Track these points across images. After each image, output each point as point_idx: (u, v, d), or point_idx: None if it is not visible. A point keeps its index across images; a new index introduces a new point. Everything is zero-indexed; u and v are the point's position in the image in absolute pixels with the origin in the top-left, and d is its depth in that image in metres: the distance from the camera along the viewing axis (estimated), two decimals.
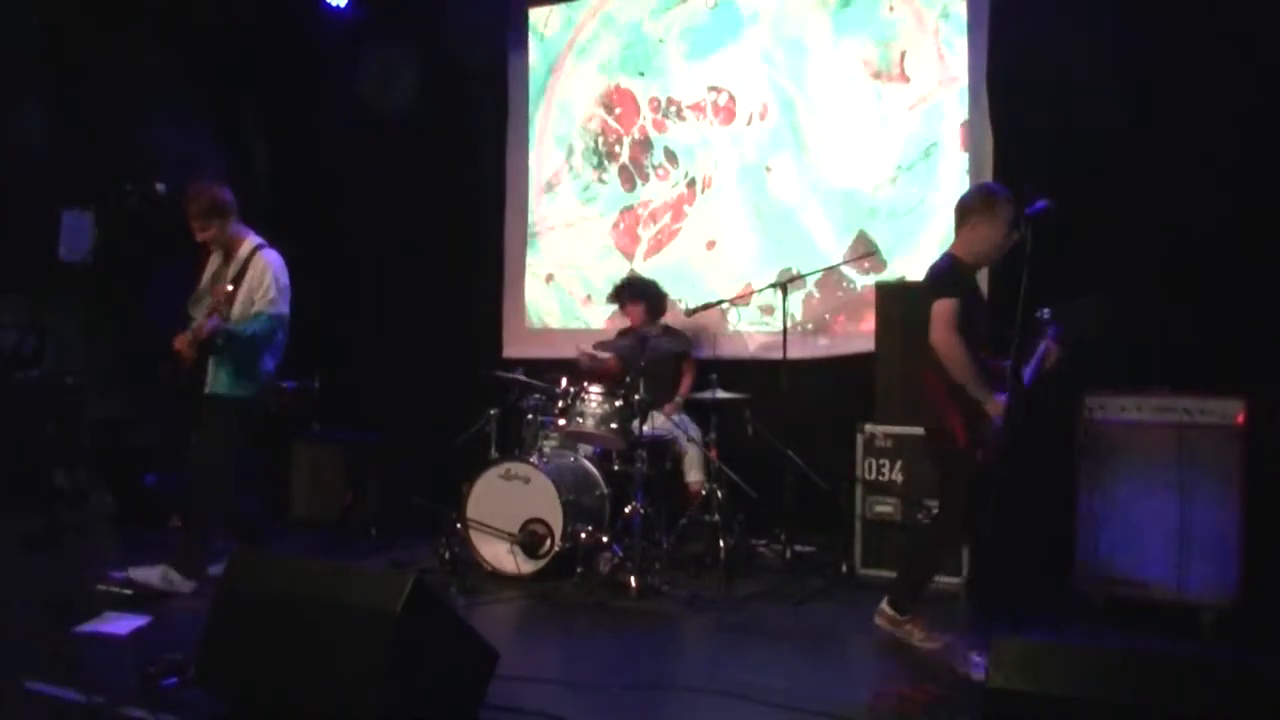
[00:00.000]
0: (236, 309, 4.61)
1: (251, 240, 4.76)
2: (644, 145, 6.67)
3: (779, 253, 6.21)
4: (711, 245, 6.42)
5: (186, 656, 3.14)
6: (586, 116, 6.85)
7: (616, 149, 6.75)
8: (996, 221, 3.86)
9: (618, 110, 6.75)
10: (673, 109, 6.58)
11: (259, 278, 4.65)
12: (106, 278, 5.76)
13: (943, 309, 3.79)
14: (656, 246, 6.57)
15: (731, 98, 6.41)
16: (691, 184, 6.50)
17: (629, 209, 6.68)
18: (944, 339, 3.78)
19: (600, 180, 6.79)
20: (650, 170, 6.65)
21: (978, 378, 3.75)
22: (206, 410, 4.67)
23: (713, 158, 6.44)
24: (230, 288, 4.63)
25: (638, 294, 5.90)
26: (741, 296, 6.14)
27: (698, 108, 6.50)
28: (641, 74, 6.71)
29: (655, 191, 6.63)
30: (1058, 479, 4.57)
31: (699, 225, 6.47)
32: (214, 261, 4.85)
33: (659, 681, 3.51)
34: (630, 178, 6.71)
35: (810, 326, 6.09)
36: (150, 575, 4.53)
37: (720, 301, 5.80)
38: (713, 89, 6.46)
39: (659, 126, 6.63)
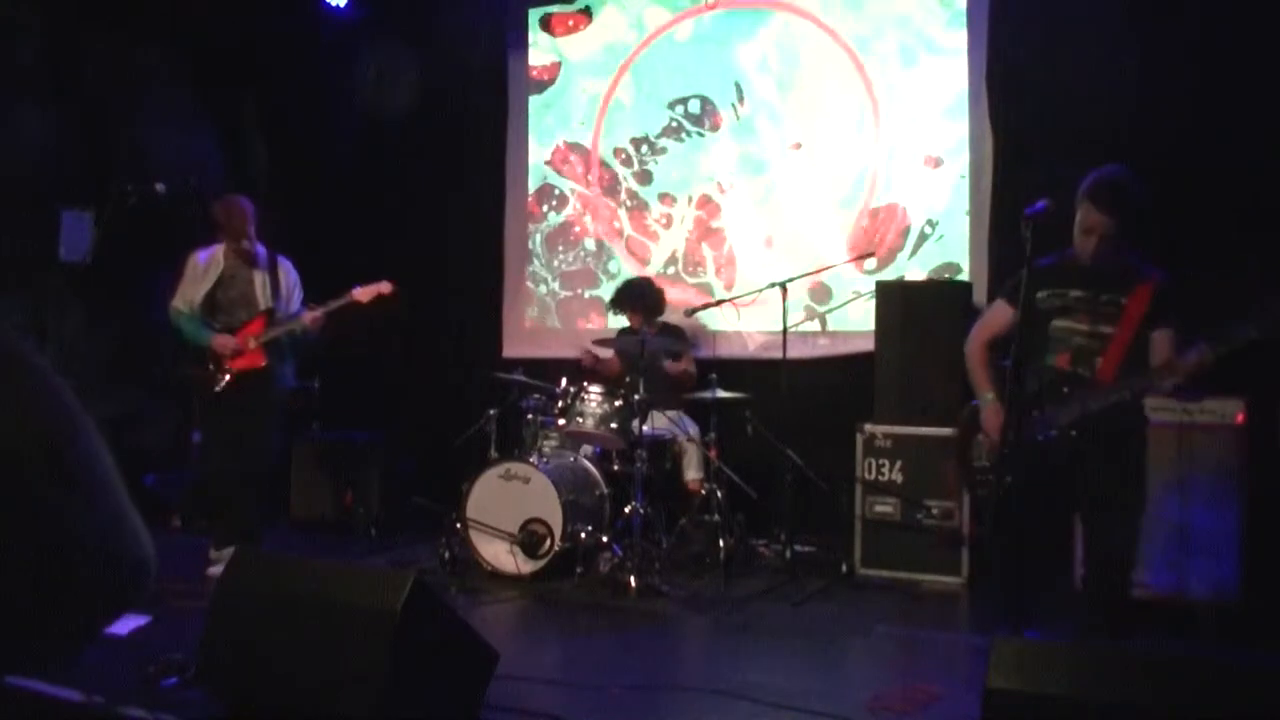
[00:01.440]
0: (281, 307, 5.04)
1: (259, 246, 5.13)
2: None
3: (782, 254, 6.21)
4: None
5: (186, 656, 3.14)
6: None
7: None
8: (1077, 216, 3.52)
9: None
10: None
11: (291, 280, 5.13)
12: (106, 278, 5.75)
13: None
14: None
15: (711, 104, 6.41)
16: (706, 200, 6.46)
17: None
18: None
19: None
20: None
21: (973, 380, 3.77)
22: (274, 400, 5.03)
23: (709, 169, 6.43)
24: (265, 286, 5.06)
25: (636, 298, 5.88)
26: (741, 296, 6.13)
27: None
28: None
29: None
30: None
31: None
32: (214, 267, 5.06)
33: (659, 681, 3.51)
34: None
35: (810, 326, 6.09)
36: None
37: (720, 301, 5.80)
38: (694, 100, 6.44)
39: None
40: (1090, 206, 3.44)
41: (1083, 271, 3.53)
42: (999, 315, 3.76)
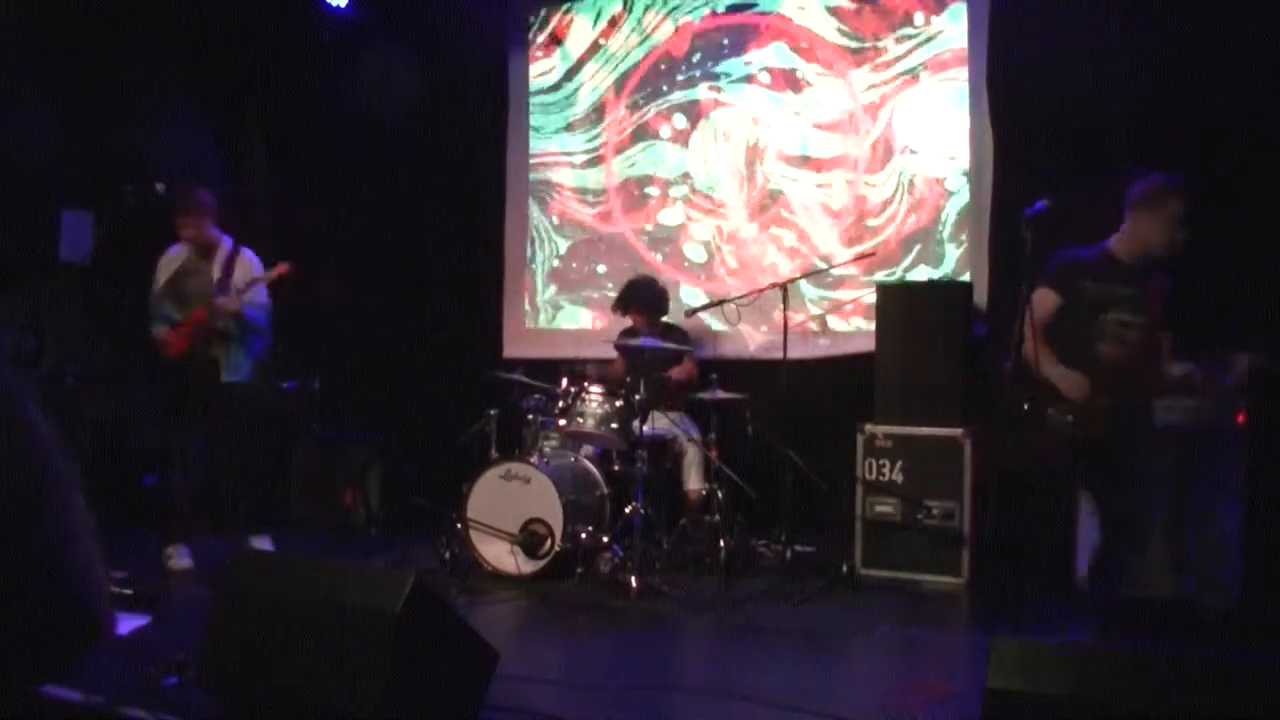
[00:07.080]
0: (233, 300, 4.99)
1: (227, 240, 5.18)
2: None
3: (782, 254, 6.21)
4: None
5: (186, 656, 3.14)
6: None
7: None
8: (1159, 216, 3.71)
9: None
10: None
11: (249, 271, 5.08)
12: (106, 278, 5.75)
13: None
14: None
15: (711, 104, 6.42)
16: (705, 199, 6.45)
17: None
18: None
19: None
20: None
21: (1046, 369, 3.70)
22: (236, 398, 5.02)
23: (710, 168, 6.43)
24: (217, 278, 5.04)
25: (641, 298, 5.86)
26: (741, 297, 6.12)
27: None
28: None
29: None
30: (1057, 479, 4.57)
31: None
32: (179, 259, 5.16)
33: (659, 681, 3.51)
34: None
35: (811, 326, 6.09)
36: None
37: (720, 301, 5.79)
38: (694, 100, 6.46)
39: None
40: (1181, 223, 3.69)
41: (1126, 269, 3.75)
42: (1046, 301, 3.78)
